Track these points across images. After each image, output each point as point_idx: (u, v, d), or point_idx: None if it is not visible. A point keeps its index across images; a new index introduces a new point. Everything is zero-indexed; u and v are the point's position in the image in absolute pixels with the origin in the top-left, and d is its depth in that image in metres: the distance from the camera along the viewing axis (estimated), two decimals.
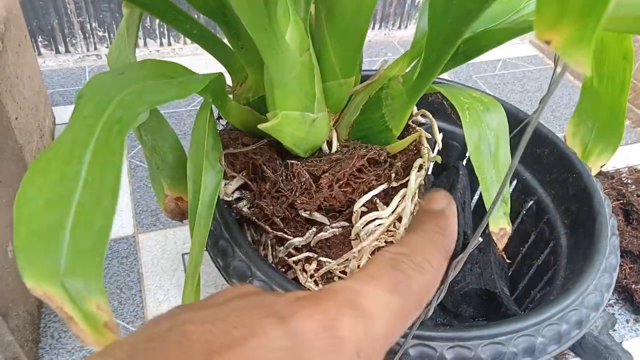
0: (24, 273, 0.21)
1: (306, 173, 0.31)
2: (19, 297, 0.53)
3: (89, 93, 0.25)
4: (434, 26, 0.23)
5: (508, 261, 0.50)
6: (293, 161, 0.32)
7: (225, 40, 0.34)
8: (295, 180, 0.31)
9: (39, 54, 1.01)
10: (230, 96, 0.36)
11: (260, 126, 0.29)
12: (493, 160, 0.27)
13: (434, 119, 0.38)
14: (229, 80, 0.36)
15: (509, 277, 0.53)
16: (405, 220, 0.33)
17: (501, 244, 0.27)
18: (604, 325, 0.65)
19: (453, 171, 0.53)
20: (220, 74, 0.30)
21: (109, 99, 0.25)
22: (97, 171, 0.22)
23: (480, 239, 0.43)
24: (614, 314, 0.68)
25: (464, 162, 0.56)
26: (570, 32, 0.12)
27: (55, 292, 0.21)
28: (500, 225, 0.27)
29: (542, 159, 0.49)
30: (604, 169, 0.87)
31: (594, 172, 0.47)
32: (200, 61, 1.07)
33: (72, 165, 0.22)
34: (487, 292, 0.46)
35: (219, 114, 0.37)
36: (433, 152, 0.38)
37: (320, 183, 0.31)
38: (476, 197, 0.58)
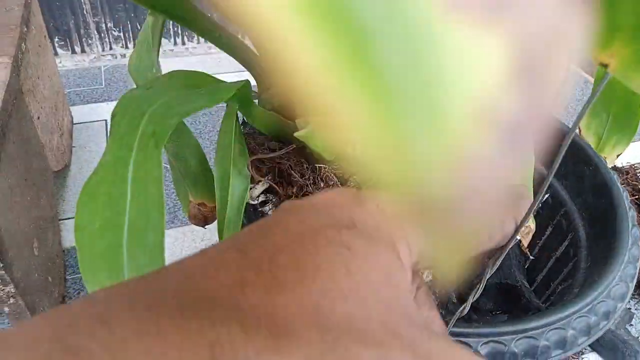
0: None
1: (334, 177, 0.32)
2: (44, 292, 0.54)
3: (121, 111, 0.26)
4: None
5: (532, 257, 0.51)
6: (321, 165, 0.33)
7: (251, 46, 0.34)
8: (322, 184, 0.32)
9: (56, 54, 1.02)
10: (256, 101, 0.37)
11: (297, 134, 0.29)
12: None
13: None
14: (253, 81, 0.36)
15: (525, 270, 0.53)
16: None
17: (526, 241, 0.27)
18: (621, 320, 0.65)
19: None
20: (247, 81, 0.31)
21: (141, 115, 0.26)
22: (141, 187, 0.23)
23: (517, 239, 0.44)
24: (630, 308, 0.69)
25: None
26: (625, 54, 0.12)
27: None
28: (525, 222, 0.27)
29: (557, 150, 0.49)
30: (618, 164, 0.87)
31: (610, 163, 0.47)
32: (213, 59, 1.08)
33: (117, 185, 0.23)
34: (506, 285, 0.47)
35: (243, 117, 0.38)
36: None
37: (349, 186, 0.31)
38: None
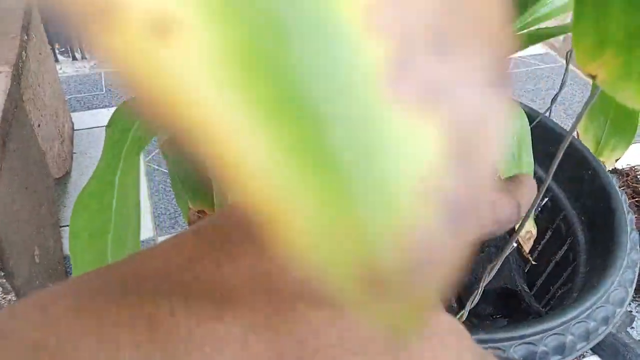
0: None
1: None
2: None
3: (116, 120, 0.27)
4: None
5: (534, 263, 0.51)
6: None
7: None
8: None
9: (56, 60, 1.03)
10: None
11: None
12: (517, 164, 0.28)
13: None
14: None
15: (526, 274, 0.53)
16: None
17: (527, 247, 0.27)
18: (622, 323, 0.65)
19: None
20: None
21: (132, 122, 0.26)
22: (124, 194, 0.24)
23: (515, 244, 0.44)
24: (631, 311, 0.68)
25: None
26: (615, 65, 0.12)
27: None
28: (526, 228, 0.28)
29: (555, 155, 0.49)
30: (618, 166, 0.87)
31: (609, 166, 0.47)
32: None
33: (106, 193, 0.24)
34: (506, 290, 0.47)
35: None
36: None
37: None
38: None
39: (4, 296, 0.41)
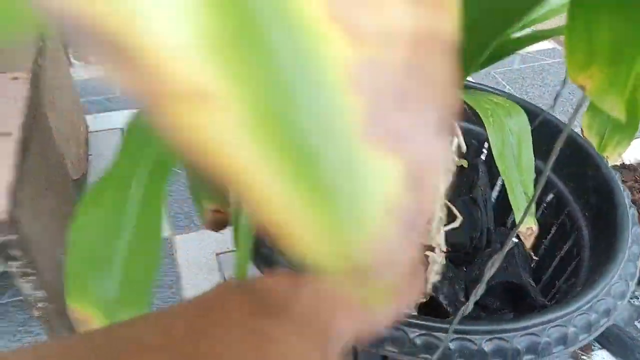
0: (68, 296, 0.23)
1: None
2: None
3: (134, 128, 0.28)
4: (463, 38, 0.25)
5: (535, 258, 0.52)
6: None
7: None
8: None
9: (70, 64, 1.05)
10: None
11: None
12: (517, 163, 0.29)
13: (455, 122, 0.39)
14: None
15: (532, 269, 0.54)
16: (434, 224, 0.35)
17: (529, 243, 0.29)
18: (630, 317, 0.66)
19: (472, 169, 0.54)
20: None
21: (152, 135, 0.27)
22: (143, 194, 0.25)
23: (515, 240, 0.44)
24: (639, 306, 0.69)
25: (482, 158, 0.57)
26: (601, 78, 0.13)
27: (96, 318, 0.23)
28: (527, 224, 0.29)
29: (559, 152, 0.50)
30: (626, 162, 0.88)
31: (613, 161, 0.48)
32: None
33: (121, 200, 0.24)
34: (512, 285, 0.48)
35: None
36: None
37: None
38: (495, 193, 0.59)
39: (33, 292, 0.43)
